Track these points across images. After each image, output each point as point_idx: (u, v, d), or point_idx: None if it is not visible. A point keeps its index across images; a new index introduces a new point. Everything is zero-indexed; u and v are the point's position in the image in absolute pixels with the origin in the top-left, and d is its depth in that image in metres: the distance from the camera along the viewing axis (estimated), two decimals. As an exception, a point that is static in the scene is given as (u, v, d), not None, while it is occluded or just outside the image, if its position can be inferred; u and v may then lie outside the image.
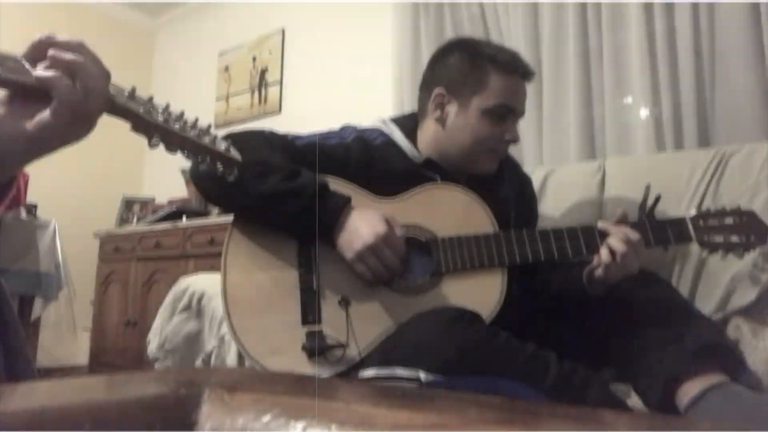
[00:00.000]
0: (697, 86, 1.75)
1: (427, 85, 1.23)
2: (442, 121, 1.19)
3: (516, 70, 1.17)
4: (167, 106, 0.66)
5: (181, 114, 0.67)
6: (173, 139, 0.65)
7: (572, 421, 0.37)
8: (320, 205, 1.05)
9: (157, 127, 0.64)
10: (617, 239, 1.05)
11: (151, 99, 0.65)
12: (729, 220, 1.10)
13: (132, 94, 0.63)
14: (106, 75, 0.60)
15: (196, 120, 0.69)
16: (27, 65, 0.57)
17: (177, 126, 0.65)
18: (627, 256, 1.03)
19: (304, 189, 1.05)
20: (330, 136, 1.21)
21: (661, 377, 0.97)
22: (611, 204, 1.47)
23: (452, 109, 1.18)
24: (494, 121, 1.16)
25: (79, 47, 0.59)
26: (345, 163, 1.16)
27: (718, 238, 1.10)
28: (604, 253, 1.05)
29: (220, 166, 0.71)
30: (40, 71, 0.57)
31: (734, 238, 1.09)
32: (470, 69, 1.16)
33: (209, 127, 0.71)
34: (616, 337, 1.05)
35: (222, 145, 0.70)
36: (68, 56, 0.57)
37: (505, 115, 1.17)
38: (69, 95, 0.57)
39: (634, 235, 1.05)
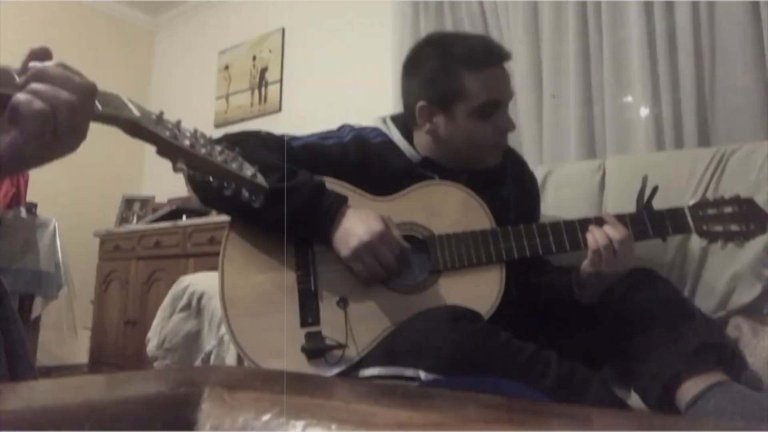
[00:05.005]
0: (697, 86, 1.75)
1: (408, 97, 1.21)
2: (433, 132, 1.18)
3: (490, 61, 1.14)
4: (196, 131, 0.65)
5: (210, 139, 0.66)
6: (199, 164, 0.65)
7: (572, 421, 0.37)
8: (316, 205, 1.05)
9: (184, 153, 0.63)
10: (599, 230, 1.05)
11: (178, 123, 0.64)
12: (728, 209, 1.09)
13: (160, 118, 0.62)
14: (82, 91, 0.57)
15: (224, 145, 0.68)
16: (17, 78, 0.56)
17: (204, 151, 0.65)
18: (607, 248, 1.03)
19: (301, 189, 1.05)
20: (327, 137, 1.21)
21: (661, 376, 0.97)
22: (611, 203, 1.47)
23: (440, 120, 1.16)
24: (484, 118, 1.14)
25: (42, 74, 0.56)
26: (342, 163, 1.16)
27: (718, 228, 1.08)
28: (590, 240, 1.05)
29: (246, 193, 0.70)
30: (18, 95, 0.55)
31: (734, 227, 1.07)
32: (445, 77, 1.14)
33: (237, 152, 0.70)
34: (616, 336, 1.05)
35: (248, 171, 0.70)
36: (39, 86, 0.55)
37: (494, 109, 1.15)
38: (35, 117, 0.54)
39: (618, 232, 1.04)
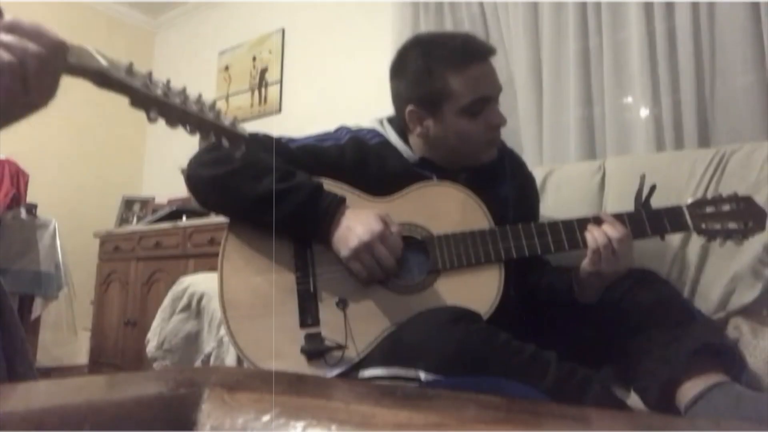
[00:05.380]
0: (697, 86, 1.75)
1: (397, 101, 1.21)
2: (424, 135, 1.18)
3: (470, 59, 1.13)
4: (168, 82, 0.65)
5: (183, 89, 0.66)
6: (173, 113, 0.64)
7: (572, 421, 0.37)
8: (315, 205, 1.05)
9: (156, 101, 0.63)
10: (598, 230, 1.05)
11: (150, 74, 0.64)
12: (726, 207, 1.08)
13: (130, 69, 0.62)
14: (51, 45, 0.57)
15: (200, 95, 0.67)
16: None
17: (177, 100, 0.64)
18: (607, 247, 1.03)
19: (299, 189, 1.05)
20: (325, 138, 1.21)
21: (661, 377, 0.97)
22: (611, 204, 1.47)
23: (430, 123, 1.16)
24: (474, 116, 1.13)
25: (13, 26, 0.55)
26: (340, 164, 1.16)
27: (716, 226, 1.07)
28: (589, 239, 1.05)
29: (225, 142, 0.70)
30: None
31: (732, 225, 1.07)
32: (429, 80, 1.13)
33: (214, 102, 0.69)
34: (616, 337, 1.05)
35: (226, 120, 0.69)
36: (7, 38, 0.54)
37: (482, 106, 1.14)
38: (2, 69, 0.54)
39: (617, 231, 1.04)
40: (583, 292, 1.11)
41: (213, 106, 0.69)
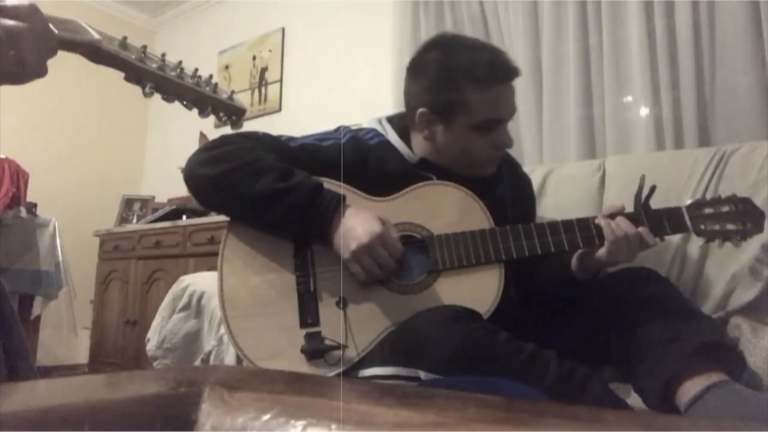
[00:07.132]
0: (697, 86, 1.76)
1: (409, 101, 1.20)
2: (431, 138, 1.17)
3: (495, 79, 1.11)
4: (163, 55, 0.64)
5: (179, 63, 0.65)
6: (169, 87, 0.64)
7: (572, 421, 0.36)
8: (314, 205, 1.05)
9: (151, 75, 0.62)
10: (627, 222, 1.07)
11: (144, 47, 0.63)
12: (725, 208, 1.09)
13: (123, 43, 0.61)
14: (48, 40, 0.56)
15: (196, 70, 0.67)
16: None
17: (173, 74, 0.64)
18: (631, 240, 1.05)
19: (298, 188, 1.05)
20: (324, 138, 1.20)
21: (661, 376, 0.97)
22: (611, 203, 1.47)
23: (438, 128, 1.16)
24: (483, 133, 1.13)
25: (25, 12, 0.55)
26: (339, 164, 1.16)
27: (715, 227, 1.08)
28: (608, 233, 1.06)
29: (223, 116, 0.69)
30: None
31: (731, 226, 1.08)
32: (447, 90, 1.12)
33: (210, 77, 0.69)
34: (616, 336, 1.05)
35: (224, 94, 0.69)
36: (8, 23, 0.54)
37: (494, 125, 1.14)
38: (4, 63, 0.54)
39: (635, 228, 1.07)
40: (583, 271, 1.13)
41: (210, 80, 0.68)
